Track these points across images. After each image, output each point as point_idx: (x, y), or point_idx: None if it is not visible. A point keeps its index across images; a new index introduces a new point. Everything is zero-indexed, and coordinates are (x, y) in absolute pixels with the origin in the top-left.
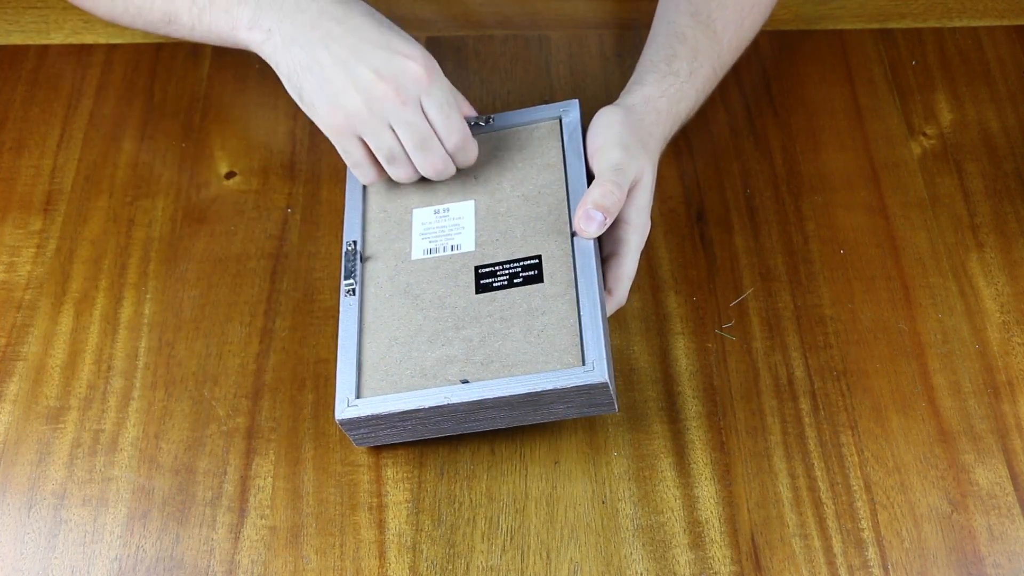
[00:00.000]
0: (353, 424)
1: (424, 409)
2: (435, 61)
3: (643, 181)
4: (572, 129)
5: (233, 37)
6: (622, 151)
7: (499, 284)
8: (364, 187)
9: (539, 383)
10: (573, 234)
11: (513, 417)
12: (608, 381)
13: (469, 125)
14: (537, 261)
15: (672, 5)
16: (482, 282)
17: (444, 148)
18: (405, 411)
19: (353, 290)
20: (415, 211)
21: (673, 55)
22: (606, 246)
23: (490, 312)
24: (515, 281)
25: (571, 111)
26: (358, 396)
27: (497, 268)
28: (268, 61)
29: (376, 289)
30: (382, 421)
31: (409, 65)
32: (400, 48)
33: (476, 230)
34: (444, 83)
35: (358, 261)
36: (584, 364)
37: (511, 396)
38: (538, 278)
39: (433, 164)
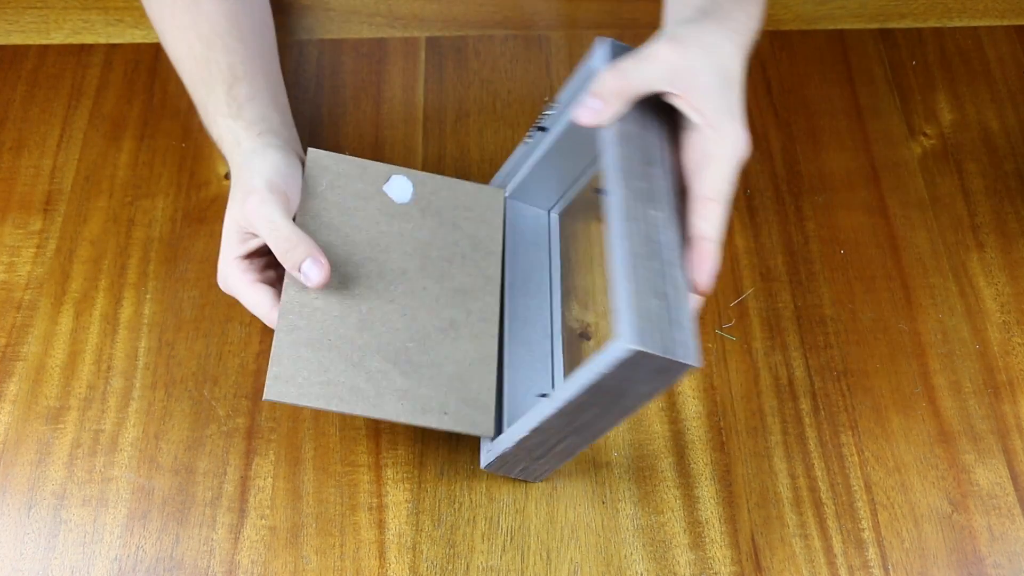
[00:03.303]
0: (498, 467)
1: (529, 435)
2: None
3: (701, 74)
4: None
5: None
6: (662, 42)
7: None
8: None
9: (587, 375)
10: (596, 191)
11: (614, 413)
12: (638, 348)
13: (543, 116)
14: None
15: None
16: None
17: None
18: (520, 440)
19: None
20: None
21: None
22: (693, 161)
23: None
24: None
25: (597, 53)
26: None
27: None
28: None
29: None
30: (513, 457)
31: None
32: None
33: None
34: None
35: None
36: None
37: (579, 395)
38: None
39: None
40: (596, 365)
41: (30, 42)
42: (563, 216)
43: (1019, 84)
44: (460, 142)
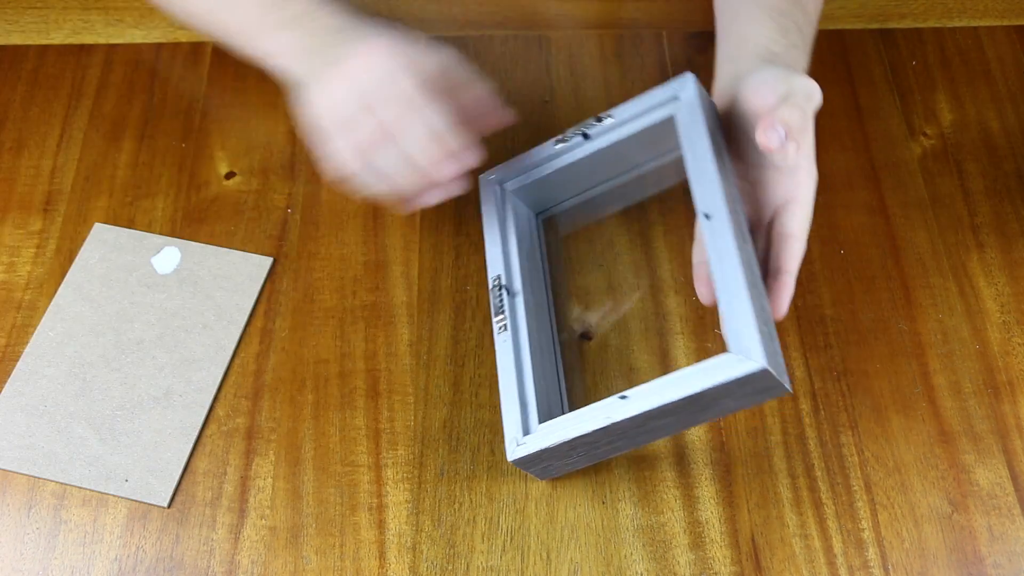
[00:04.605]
0: (526, 462)
1: (590, 433)
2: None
3: (809, 126)
4: (691, 106)
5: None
6: (804, 80)
7: None
8: (504, 220)
9: (697, 383)
10: (706, 216)
11: (685, 422)
12: (767, 367)
13: (591, 124)
14: None
15: None
16: None
17: (409, 151)
18: (572, 439)
19: (506, 326)
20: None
21: (784, 30)
22: (776, 200)
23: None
24: None
25: (687, 86)
26: (525, 433)
27: None
28: (282, 73)
29: (528, 322)
30: (553, 453)
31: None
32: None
33: None
34: (421, 94)
35: (505, 295)
36: (741, 353)
37: (672, 403)
38: None
39: (396, 168)
40: (709, 376)
41: (30, 42)
42: (546, 221)
43: (1019, 84)
44: None
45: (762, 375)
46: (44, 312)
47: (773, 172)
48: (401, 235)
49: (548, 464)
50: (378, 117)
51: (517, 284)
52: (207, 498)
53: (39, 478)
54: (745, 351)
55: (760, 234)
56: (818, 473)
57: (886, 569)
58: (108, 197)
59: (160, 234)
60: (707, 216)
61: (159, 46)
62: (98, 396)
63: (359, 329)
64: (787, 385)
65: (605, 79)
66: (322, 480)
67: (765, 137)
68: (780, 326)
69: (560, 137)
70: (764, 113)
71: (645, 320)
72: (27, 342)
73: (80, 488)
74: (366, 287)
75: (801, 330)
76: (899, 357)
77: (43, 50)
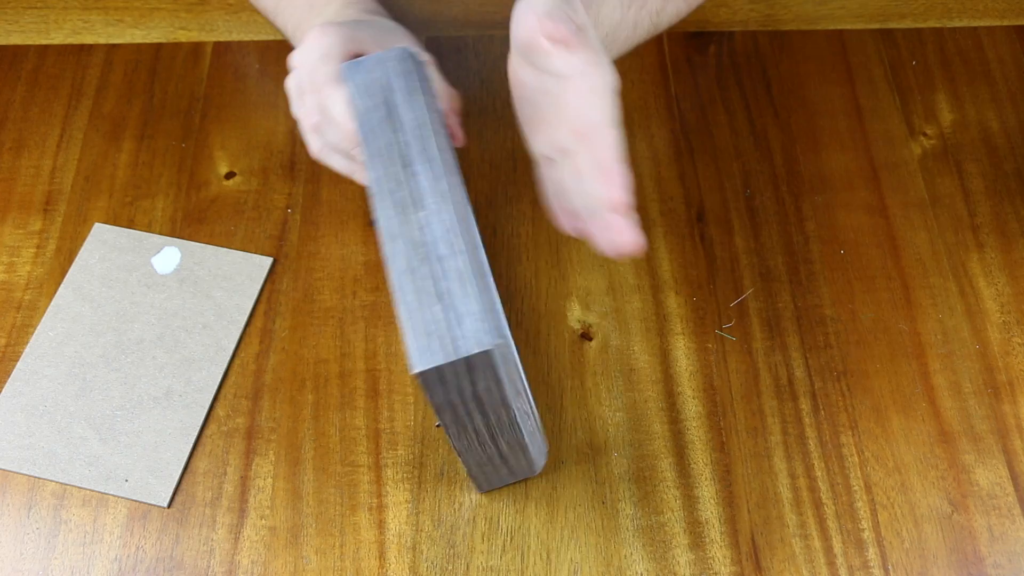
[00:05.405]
0: (486, 484)
1: (463, 456)
2: (331, 43)
3: (585, 21)
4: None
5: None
6: None
7: None
8: None
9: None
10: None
11: (494, 413)
12: (422, 368)
13: None
14: None
15: None
16: None
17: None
18: (466, 463)
19: None
20: None
21: None
22: (575, 104)
23: None
24: None
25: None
26: None
27: None
28: None
29: None
30: (483, 473)
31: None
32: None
33: None
34: (313, 63)
35: None
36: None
37: (443, 421)
38: None
39: (321, 150)
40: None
41: (30, 42)
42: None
43: (1019, 84)
44: None
45: (434, 373)
46: (44, 312)
47: (562, 83)
48: None
49: (504, 473)
50: (306, 104)
51: None
52: (207, 498)
53: (39, 478)
54: (409, 360)
55: (576, 142)
56: (818, 473)
57: (886, 569)
58: (108, 197)
59: (160, 234)
60: (372, 223)
61: (159, 46)
62: (98, 396)
63: (359, 329)
64: (473, 350)
65: None
66: (322, 480)
67: (549, 26)
68: (779, 325)
69: None
70: (525, 31)
71: (645, 320)
72: (27, 342)
73: (80, 488)
74: (366, 287)
75: (801, 330)
76: (899, 357)
77: (43, 50)
